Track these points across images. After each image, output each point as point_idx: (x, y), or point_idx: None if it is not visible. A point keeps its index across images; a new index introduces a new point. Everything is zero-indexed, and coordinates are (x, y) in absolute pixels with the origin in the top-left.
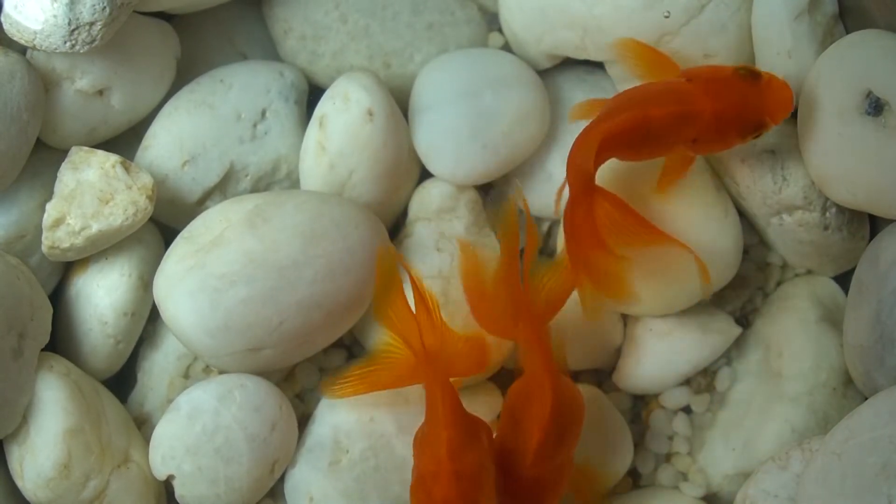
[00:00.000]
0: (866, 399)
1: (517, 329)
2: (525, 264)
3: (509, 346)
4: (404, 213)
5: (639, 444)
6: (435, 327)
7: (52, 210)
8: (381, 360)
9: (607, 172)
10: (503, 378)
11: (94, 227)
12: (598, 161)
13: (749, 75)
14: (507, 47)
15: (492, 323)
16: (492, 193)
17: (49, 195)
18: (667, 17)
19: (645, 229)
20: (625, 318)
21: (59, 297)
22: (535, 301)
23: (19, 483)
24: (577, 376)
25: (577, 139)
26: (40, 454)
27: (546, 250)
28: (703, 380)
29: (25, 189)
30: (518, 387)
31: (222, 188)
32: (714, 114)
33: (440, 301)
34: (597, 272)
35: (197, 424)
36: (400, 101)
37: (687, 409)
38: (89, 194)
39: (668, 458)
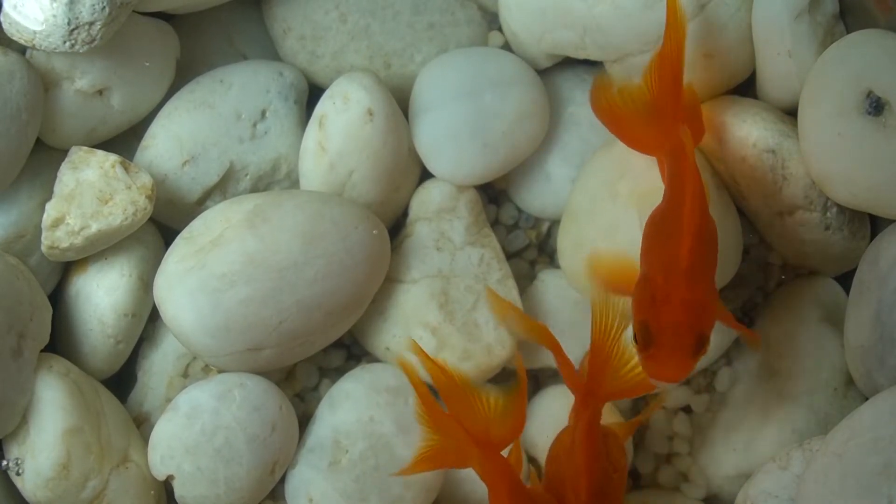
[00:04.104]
0: (867, 399)
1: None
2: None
3: (509, 347)
4: (405, 213)
5: (639, 444)
6: (471, 408)
7: (51, 210)
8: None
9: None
10: (503, 378)
11: (94, 227)
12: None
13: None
14: (507, 47)
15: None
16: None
17: (48, 195)
18: None
19: None
20: None
21: (58, 297)
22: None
23: (19, 483)
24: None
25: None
26: (40, 454)
27: (546, 250)
28: (703, 380)
29: (25, 189)
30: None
31: (222, 188)
32: None
33: (441, 300)
34: None
35: (196, 424)
36: (400, 101)
37: (687, 409)
38: (89, 194)
39: (668, 458)
